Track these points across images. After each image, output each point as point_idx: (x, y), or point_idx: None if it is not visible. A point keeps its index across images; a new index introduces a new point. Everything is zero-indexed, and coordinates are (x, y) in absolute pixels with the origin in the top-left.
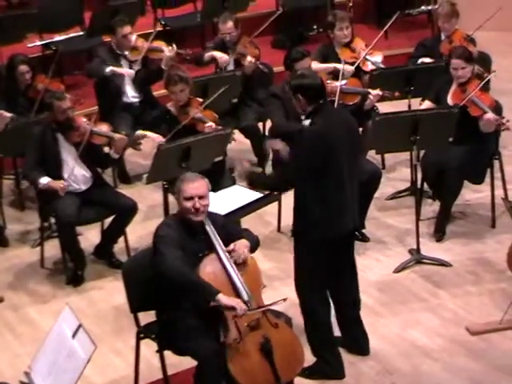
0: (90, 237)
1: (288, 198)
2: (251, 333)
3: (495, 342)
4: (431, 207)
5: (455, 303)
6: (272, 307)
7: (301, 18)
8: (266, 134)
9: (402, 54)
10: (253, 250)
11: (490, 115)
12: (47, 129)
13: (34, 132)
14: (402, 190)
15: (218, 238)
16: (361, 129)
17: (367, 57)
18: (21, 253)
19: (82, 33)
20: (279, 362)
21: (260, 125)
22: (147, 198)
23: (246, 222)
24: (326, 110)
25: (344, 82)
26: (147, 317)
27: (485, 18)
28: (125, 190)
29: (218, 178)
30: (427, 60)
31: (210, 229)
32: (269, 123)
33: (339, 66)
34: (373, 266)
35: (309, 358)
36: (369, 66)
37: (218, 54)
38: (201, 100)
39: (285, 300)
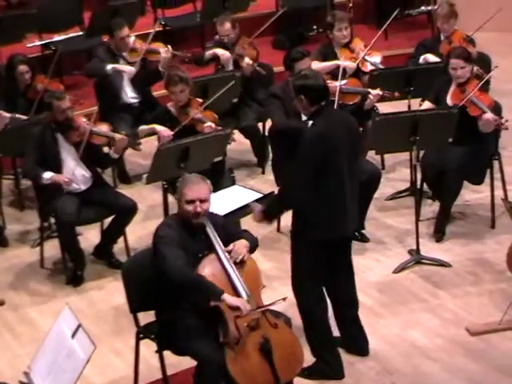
0: (89, 237)
1: None
2: (251, 333)
3: (495, 342)
4: (431, 208)
5: (455, 304)
6: (272, 307)
7: (301, 18)
8: (266, 134)
9: (402, 54)
10: (252, 250)
11: (488, 115)
12: (47, 129)
13: (33, 132)
14: (402, 191)
15: (218, 239)
16: (360, 129)
17: (366, 57)
18: (20, 253)
19: (81, 33)
20: (278, 363)
21: (260, 125)
22: (147, 198)
23: (246, 223)
24: (328, 112)
25: (344, 82)
26: (147, 317)
27: (484, 19)
28: (124, 190)
29: (218, 178)
30: (430, 56)
31: (210, 229)
32: (268, 124)
33: (340, 62)
34: (372, 267)
35: (308, 359)
36: (368, 67)
37: (220, 51)
38: (201, 100)
39: (284, 299)
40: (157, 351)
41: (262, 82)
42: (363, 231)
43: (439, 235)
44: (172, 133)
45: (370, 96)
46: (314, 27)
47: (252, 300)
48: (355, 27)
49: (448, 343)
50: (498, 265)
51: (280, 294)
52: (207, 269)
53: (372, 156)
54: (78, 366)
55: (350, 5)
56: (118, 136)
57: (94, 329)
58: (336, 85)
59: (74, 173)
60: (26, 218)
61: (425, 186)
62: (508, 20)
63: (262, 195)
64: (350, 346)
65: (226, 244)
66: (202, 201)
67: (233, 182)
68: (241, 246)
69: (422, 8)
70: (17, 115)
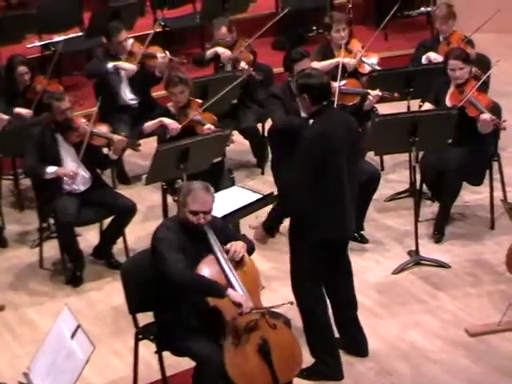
0: (88, 237)
1: None
2: (249, 334)
3: (494, 343)
4: (430, 208)
5: (454, 305)
6: (275, 309)
7: (301, 19)
8: (266, 134)
9: (402, 55)
10: (249, 252)
11: (486, 115)
12: (46, 129)
13: (33, 132)
14: (401, 192)
15: (217, 241)
16: (360, 129)
17: (363, 59)
18: (20, 253)
19: (81, 33)
20: (277, 364)
21: (259, 126)
22: (146, 199)
23: (245, 223)
24: (329, 112)
25: (343, 82)
26: (146, 318)
27: (483, 20)
28: (124, 191)
29: (217, 178)
30: (432, 54)
31: (209, 232)
32: (268, 124)
33: (340, 59)
34: (372, 268)
35: (307, 359)
36: (366, 68)
37: (220, 50)
38: (200, 101)
39: (292, 303)
40: (156, 352)
41: (262, 83)
42: (362, 232)
43: (438, 236)
44: (180, 126)
45: (370, 97)
46: (314, 28)
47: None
48: (355, 28)
49: (447, 344)
50: (497, 266)
51: (279, 294)
52: (206, 270)
53: (371, 157)
54: (77, 367)
55: (350, 6)
56: (116, 137)
57: (93, 329)
58: (335, 85)
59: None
60: (26, 218)
61: (424, 186)
62: (507, 21)
63: (261, 196)
64: (349, 347)
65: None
66: (205, 212)
67: (232, 183)
68: (238, 245)
69: (422, 9)
70: (16, 109)
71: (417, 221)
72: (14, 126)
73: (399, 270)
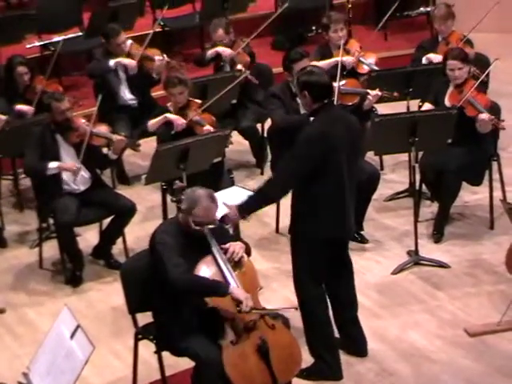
0: (88, 237)
1: (287, 200)
2: (248, 334)
3: (493, 343)
4: (430, 208)
5: (454, 305)
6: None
7: (300, 18)
8: (265, 135)
9: (402, 55)
10: (246, 253)
11: (484, 115)
12: (46, 129)
13: (33, 131)
14: (401, 192)
15: (215, 242)
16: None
17: (361, 59)
18: (19, 253)
19: (80, 33)
20: (276, 364)
21: (259, 126)
22: (146, 199)
23: (245, 223)
24: (330, 110)
25: (343, 82)
26: (145, 318)
27: (483, 20)
28: (123, 191)
29: (217, 179)
30: (433, 55)
31: (207, 233)
32: (267, 124)
33: (339, 58)
34: (371, 268)
35: (307, 359)
36: (364, 68)
37: (221, 49)
38: (200, 102)
39: (296, 309)
40: (155, 352)
41: (259, 85)
42: (362, 232)
43: (438, 236)
44: (185, 121)
45: (369, 97)
46: (314, 28)
47: None
48: (354, 28)
49: (447, 344)
50: (496, 266)
51: (279, 294)
52: (204, 270)
53: (371, 157)
54: (76, 367)
55: (349, 6)
56: (116, 137)
57: (92, 329)
58: (335, 85)
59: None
60: (25, 218)
61: (424, 186)
62: (507, 21)
63: None
64: (348, 347)
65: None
66: (210, 223)
67: (232, 183)
68: (237, 246)
69: (421, 9)
70: (18, 106)
71: (416, 221)
72: (13, 125)
73: (399, 270)
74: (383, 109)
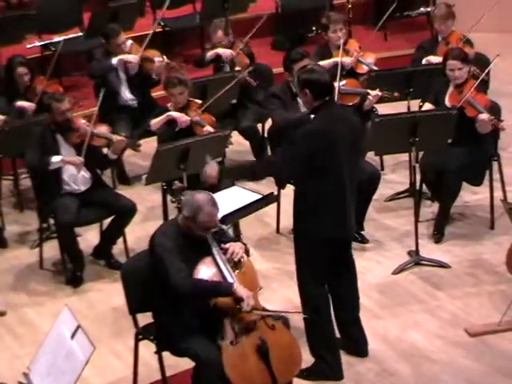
0: (88, 238)
1: (287, 200)
2: (248, 335)
3: (494, 343)
4: (430, 209)
5: (454, 305)
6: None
7: (300, 19)
8: (265, 135)
9: (402, 55)
10: (246, 254)
11: (483, 115)
12: (46, 130)
13: (34, 131)
14: (401, 192)
15: (215, 242)
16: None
17: (360, 59)
18: (20, 254)
19: (81, 34)
20: (276, 364)
21: (259, 126)
22: (146, 199)
23: (245, 224)
24: (331, 108)
25: (343, 82)
26: (146, 318)
27: (484, 20)
28: (124, 191)
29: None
30: (432, 58)
31: (208, 235)
32: (267, 125)
33: (338, 59)
34: (372, 268)
35: (307, 360)
36: (364, 68)
37: (221, 50)
38: (200, 102)
39: (300, 313)
40: (156, 352)
41: (261, 84)
42: (362, 232)
43: (438, 236)
44: (189, 118)
45: (370, 97)
46: (314, 28)
47: None
48: (354, 28)
49: (447, 344)
50: (497, 266)
51: (279, 295)
52: (203, 271)
53: (371, 157)
54: (77, 367)
55: (349, 6)
56: (116, 137)
57: (93, 330)
58: (335, 85)
59: (74, 173)
60: (26, 218)
61: (424, 187)
62: (507, 21)
63: (261, 196)
64: (349, 347)
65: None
66: (213, 227)
67: (232, 183)
68: (237, 246)
69: (422, 9)
70: (19, 103)
71: (417, 221)
72: (13, 125)
73: (399, 270)
74: (384, 109)
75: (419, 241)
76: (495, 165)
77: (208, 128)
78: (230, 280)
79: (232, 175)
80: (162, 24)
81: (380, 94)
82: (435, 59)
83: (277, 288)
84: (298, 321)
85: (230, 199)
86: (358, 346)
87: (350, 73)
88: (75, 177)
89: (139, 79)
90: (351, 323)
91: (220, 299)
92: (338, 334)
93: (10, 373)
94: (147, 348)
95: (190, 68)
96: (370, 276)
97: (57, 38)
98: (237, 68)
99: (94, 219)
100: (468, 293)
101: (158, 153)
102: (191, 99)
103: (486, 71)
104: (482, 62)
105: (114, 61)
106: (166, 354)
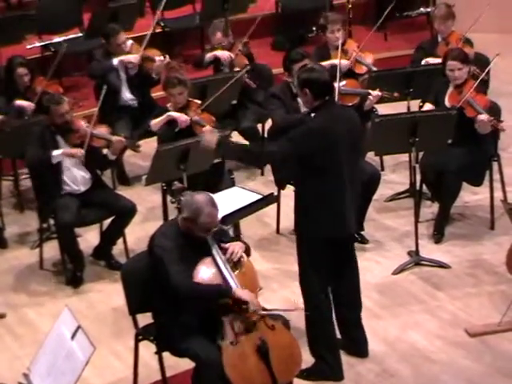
0: (88, 238)
1: (287, 200)
2: (248, 335)
3: (494, 343)
4: (430, 209)
5: (454, 305)
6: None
7: (300, 19)
8: (265, 135)
9: (402, 55)
10: (246, 253)
11: (483, 116)
12: (46, 130)
13: (33, 131)
14: (401, 192)
15: (215, 243)
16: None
17: (359, 59)
18: (20, 254)
19: (81, 34)
20: (276, 364)
21: (259, 126)
22: (146, 200)
23: (245, 224)
24: (331, 107)
25: (343, 83)
26: (146, 318)
27: (482, 20)
28: (124, 192)
29: (217, 179)
30: (431, 60)
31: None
32: (267, 125)
33: (336, 61)
34: (372, 268)
35: (307, 360)
36: (363, 68)
37: (219, 52)
38: (199, 102)
39: (301, 309)
40: (156, 353)
41: (261, 84)
42: (362, 232)
43: (438, 236)
44: (189, 118)
45: (370, 97)
46: (314, 29)
47: None
48: (355, 28)
49: (447, 344)
50: (497, 266)
51: (279, 295)
52: (203, 271)
53: (371, 157)
54: (77, 368)
55: (349, 6)
56: (115, 138)
57: (93, 330)
58: (335, 86)
59: (74, 174)
60: (26, 219)
61: (424, 187)
62: (507, 21)
63: (261, 197)
64: (349, 347)
65: (220, 248)
66: (214, 228)
67: (232, 184)
68: (237, 246)
69: (421, 9)
70: (18, 102)
71: (417, 221)
72: (13, 126)
73: (399, 271)
74: (384, 109)
75: (419, 241)
76: (495, 165)
77: (208, 128)
78: (229, 280)
79: (230, 153)
80: (162, 24)
81: (380, 94)
82: (434, 61)
83: (277, 288)
84: (298, 321)
85: (230, 200)
86: (358, 346)
87: (349, 73)
88: (75, 177)
89: (139, 79)
90: (352, 324)
91: (225, 300)
92: (338, 335)
93: (10, 373)
94: (147, 348)
95: (190, 68)
96: (370, 276)
97: (57, 39)
98: (236, 69)
99: (94, 220)
100: (468, 293)
101: (158, 153)
102: (191, 99)
103: (486, 71)
104: (481, 61)
105: (115, 61)
106: (166, 355)
